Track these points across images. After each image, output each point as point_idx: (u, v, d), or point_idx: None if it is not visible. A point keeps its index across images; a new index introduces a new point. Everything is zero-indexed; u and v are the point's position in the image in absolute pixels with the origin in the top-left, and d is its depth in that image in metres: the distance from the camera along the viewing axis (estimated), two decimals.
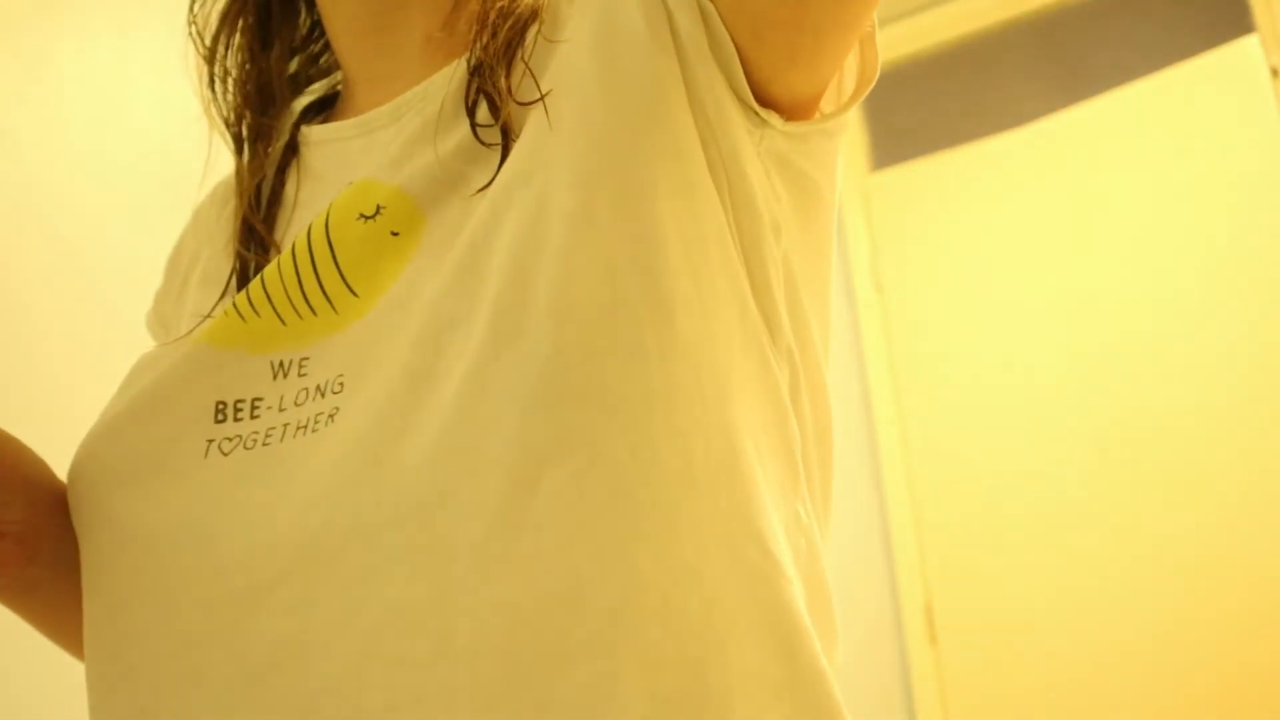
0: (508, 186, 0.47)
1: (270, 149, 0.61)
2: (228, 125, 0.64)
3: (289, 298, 0.51)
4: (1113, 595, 2.22)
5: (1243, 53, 2.27)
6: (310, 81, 0.68)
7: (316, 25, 0.68)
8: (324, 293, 0.50)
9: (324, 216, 0.52)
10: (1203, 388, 2.20)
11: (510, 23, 0.53)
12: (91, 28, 1.41)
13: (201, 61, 0.65)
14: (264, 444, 0.49)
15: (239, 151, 0.63)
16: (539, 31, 0.53)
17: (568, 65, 0.50)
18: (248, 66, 0.66)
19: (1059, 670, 2.26)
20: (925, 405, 2.53)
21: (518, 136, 0.49)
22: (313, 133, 0.61)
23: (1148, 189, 2.34)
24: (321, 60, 0.69)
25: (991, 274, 2.51)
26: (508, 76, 0.51)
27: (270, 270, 0.52)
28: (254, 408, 0.50)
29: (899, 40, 2.77)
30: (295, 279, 0.51)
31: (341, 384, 0.48)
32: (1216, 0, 2.40)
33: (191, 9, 0.65)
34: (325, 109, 0.67)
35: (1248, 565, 2.09)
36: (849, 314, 2.65)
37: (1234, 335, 2.18)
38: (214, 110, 0.65)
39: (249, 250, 0.58)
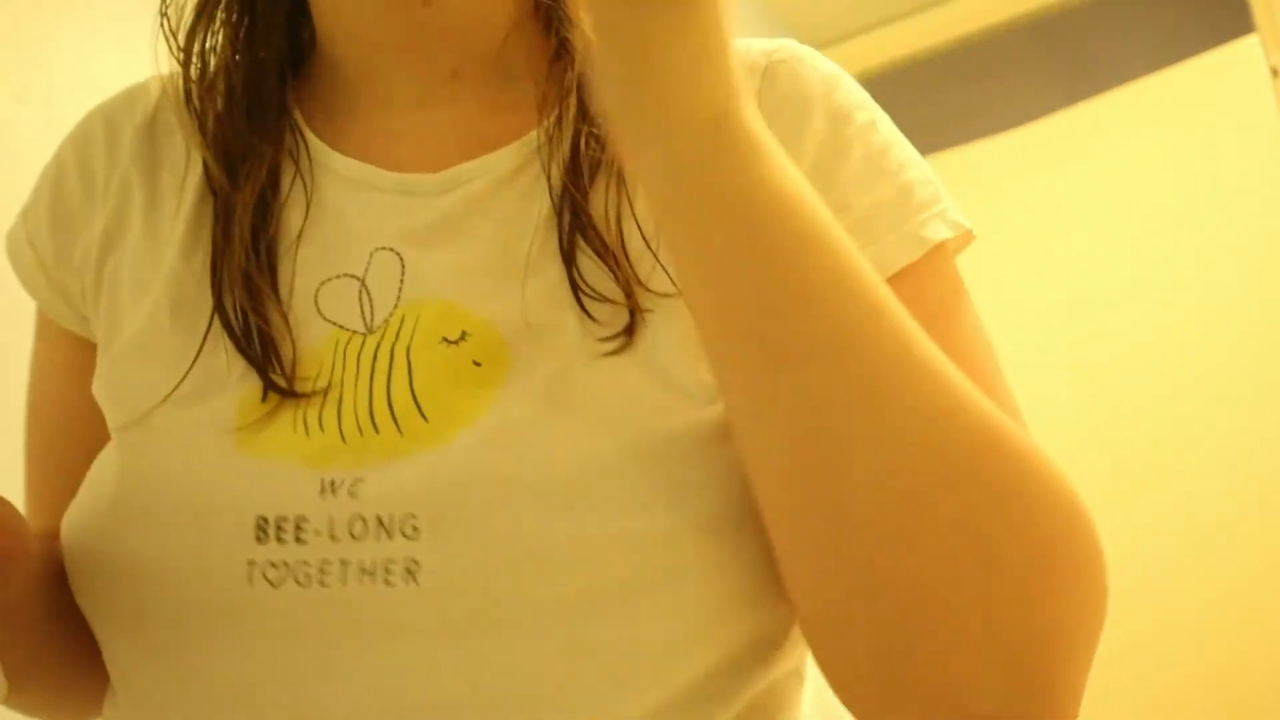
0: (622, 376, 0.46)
1: (262, 168, 0.54)
2: (209, 138, 0.55)
3: (355, 414, 0.46)
4: (1113, 594, 2.22)
5: (1243, 53, 2.27)
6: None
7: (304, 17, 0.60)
8: (391, 411, 0.46)
9: (409, 335, 0.47)
10: (1203, 387, 2.19)
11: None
12: (92, 27, 1.41)
13: (175, 64, 0.58)
14: (321, 583, 0.44)
15: (229, 179, 0.54)
16: None
17: None
18: (236, 59, 0.58)
19: None
20: None
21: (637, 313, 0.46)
22: (335, 161, 0.53)
23: (1148, 189, 2.34)
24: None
25: (991, 273, 2.51)
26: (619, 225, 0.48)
27: (345, 381, 0.47)
28: (299, 529, 0.45)
29: (899, 40, 2.77)
30: (368, 396, 0.46)
31: (415, 528, 0.43)
32: (1216, 0, 2.40)
33: (163, 7, 0.59)
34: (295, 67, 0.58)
35: (1248, 564, 2.09)
36: None
37: (1234, 334, 2.18)
38: (190, 119, 0.56)
39: (240, 295, 0.50)
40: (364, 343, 0.48)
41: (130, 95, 0.60)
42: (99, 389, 0.52)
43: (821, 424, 0.38)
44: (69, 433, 0.56)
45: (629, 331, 0.46)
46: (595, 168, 0.50)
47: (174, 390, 0.49)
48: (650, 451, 0.43)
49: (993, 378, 0.51)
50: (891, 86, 2.81)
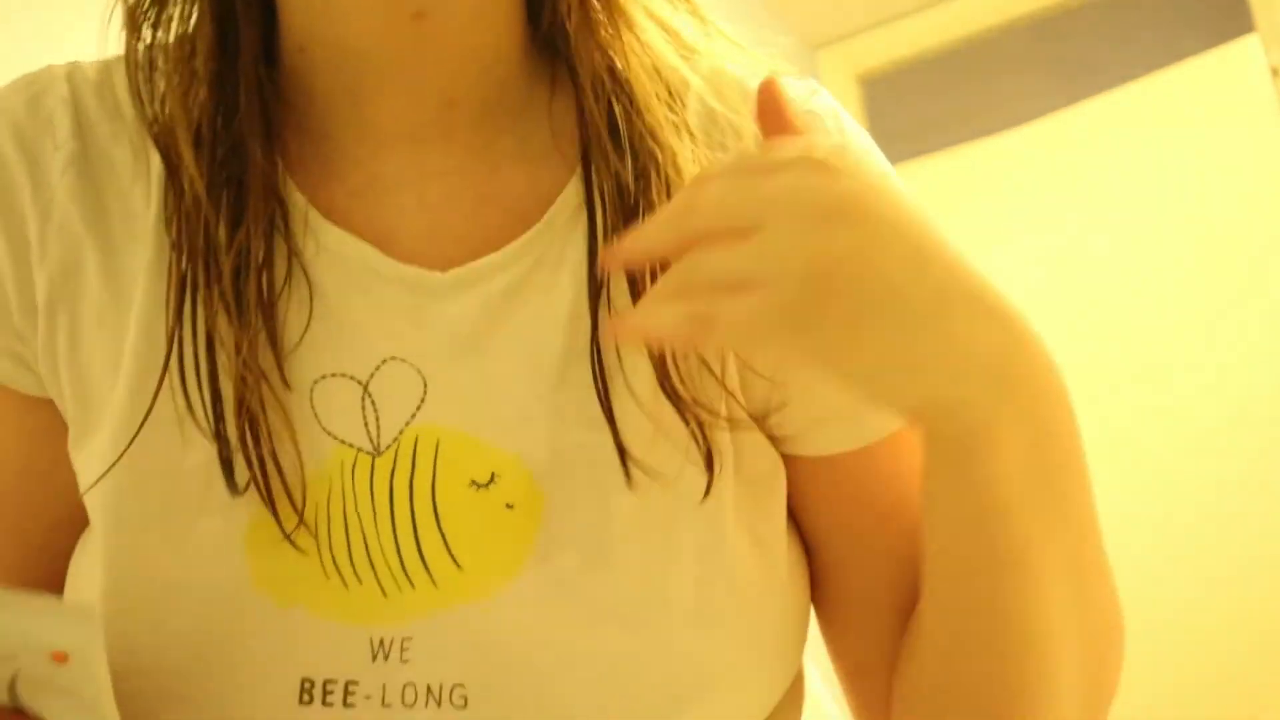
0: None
1: (248, 203, 0.45)
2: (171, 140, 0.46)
3: (388, 565, 0.43)
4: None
5: (1243, 52, 2.27)
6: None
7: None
8: (422, 560, 0.43)
9: (428, 475, 0.43)
10: (1203, 386, 2.19)
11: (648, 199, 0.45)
12: (92, 27, 1.41)
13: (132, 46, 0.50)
14: None
15: (216, 202, 0.45)
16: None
17: None
18: (210, 65, 0.47)
19: None
20: None
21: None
22: (327, 234, 0.46)
23: (1148, 188, 2.34)
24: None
25: (992, 271, 2.50)
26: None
27: (368, 526, 0.43)
28: (348, 693, 0.42)
29: (899, 40, 2.77)
30: (394, 545, 0.43)
31: (465, 698, 0.42)
32: (1217, 0, 2.40)
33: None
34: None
35: (1249, 563, 2.09)
36: None
37: (1234, 334, 2.18)
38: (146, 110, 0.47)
39: (243, 392, 0.43)
40: (374, 467, 0.43)
41: (35, 100, 0.48)
42: (80, 463, 0.46)
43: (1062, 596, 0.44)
44: (22, 500, 0.48)
45: (706, 487, 0.44)
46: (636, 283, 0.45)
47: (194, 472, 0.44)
48: (697, 605, 0.43)
49: None
50: (891, 86, 2.80)
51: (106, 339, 0.45)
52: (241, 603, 0.42)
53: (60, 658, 0.35)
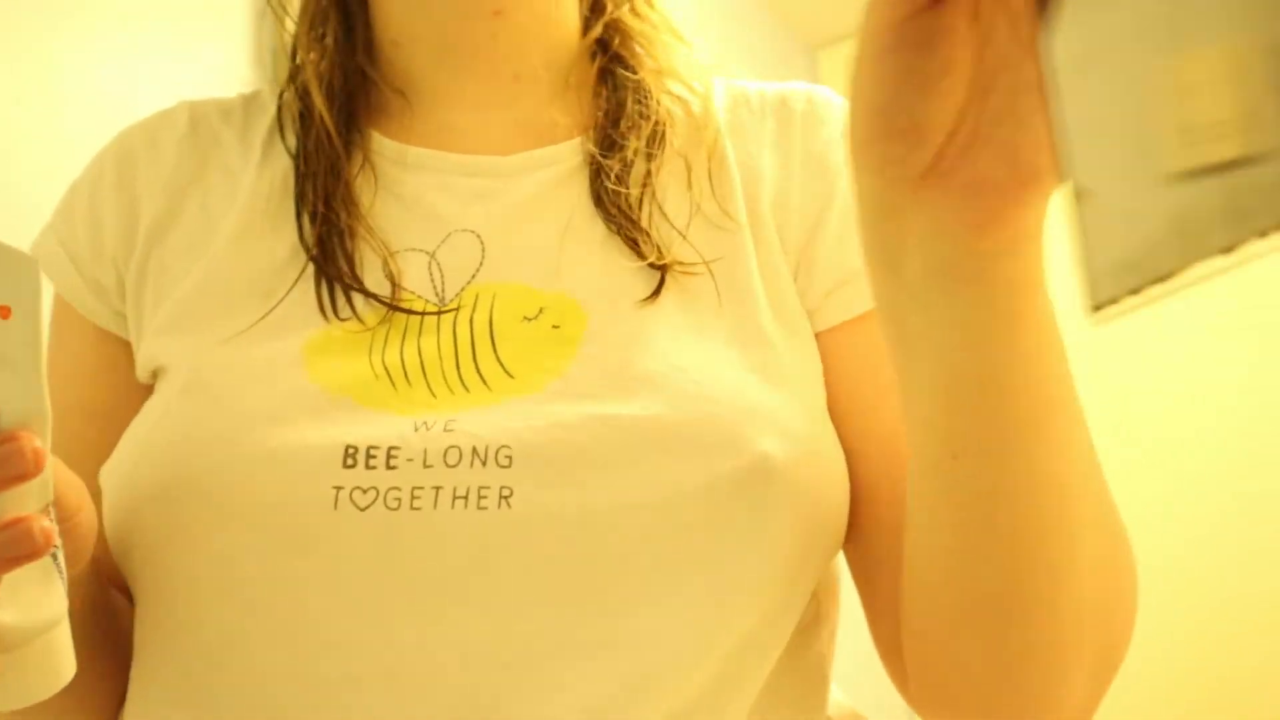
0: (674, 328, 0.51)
1: (344, 149, 0.58)
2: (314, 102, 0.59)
3: (444, 376, 0.49)
4: None
5: None
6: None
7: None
8: (480, 375, 0.49)
9: (487, 314, 0.51)
10: (1202, 385, 2.19)
11: (661, 144, 0.56)
12: (92, 27, 1.41)
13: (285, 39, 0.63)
14: (412, 507, 0.45)
15: (316, 148, 0.58)
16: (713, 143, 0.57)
17: (742, 235, 0.55)
18: (332, 54, 0.61)
19: None
20: None
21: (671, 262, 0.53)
22: (413, 154, 0.58)
23: None
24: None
25: None
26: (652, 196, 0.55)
27: (426, 347, 0.50)
28: (390, 456, 0.46)
29: None
30: (454, 362, 0.49)
31: (510, 458, 0.45)
32: None
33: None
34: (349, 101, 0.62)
35: (1249, 565, 2.09)
36: None
37: (1234, 333, 2.18)
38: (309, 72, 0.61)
39: (328, 227, 0.54)
40: (441, 317, 0.51)
41: (164, 115, 0.64)
42: (156, 340, 0.54)
43: (1048, 505, 0.44)
44: (89, 441, 0.54)
45: (660, 288, 0.52)
46: (626, 170, 0.56)
47: (258, 322, 0.52)
48: (749, 399, 0.48)
49: None
50: None
51: (193, 253, 0.56)
52: (293, 389, 0.48)
53: (4, 313, 0.34)
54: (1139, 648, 0.58)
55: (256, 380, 0.49)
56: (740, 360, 0.50)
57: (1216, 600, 2.12)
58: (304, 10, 0.62)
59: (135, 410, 0.53)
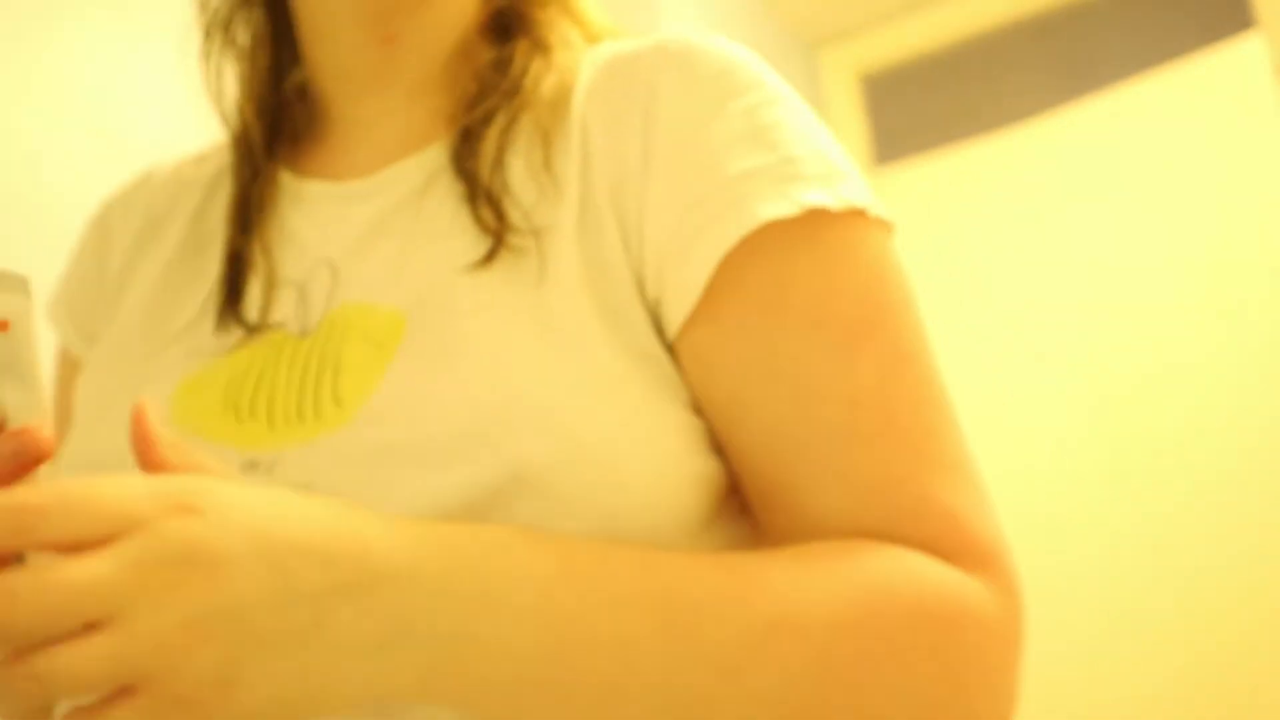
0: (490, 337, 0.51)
1: (261, 182, 0.63)
2: (237, 131, 0.65)
3: (285, 408, 0.52)
4: (1113, 596, 2.22)
5: (1244, 50, 2.27)
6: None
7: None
8: (315, 404, 0.51)
9: (338, 341, 0.53)
10: (1204, 387, 2.19)
11: (501, 131, 0.57)
12: (92, 27, 1.41)
13: (207, 69, 0.67)
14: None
15: (246, 171, 0.63)
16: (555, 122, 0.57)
17: (567, 212, 0.53)
18: (259, 80, 0.67)
19: (1058, 670, 2.26)
20: None
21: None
22: (300, 187, 0.62)
23: (1149, 184, 2.34)
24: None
25: (992, 272, 2.51)
26: (497, 175, 0.56)
27: (279, 378, 0.53)
28: None
29: (900, 38, 2.77)
30: (298, 393, 0.51)
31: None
32: None
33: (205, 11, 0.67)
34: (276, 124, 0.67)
35: (1248, 565, 2.09)
36: None
37: (1234, 334, 2.18)
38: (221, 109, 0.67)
39: (231, 302, 0.59)
40: (296, 347, 0.54)
41: (135, 182, 0.71)
42: (87, 367, 0.61)
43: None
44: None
45: (495, 250, 0.53)
46: (478, 149, 0.57)
47: (155, 355, 0.58)
48: (522, 399, 0.47)
49: (901, 343, 0.52)
50: (891, 86, 2.80)
51: (141, 290, 0.63)
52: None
53: (2, 326, 0.37)
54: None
55: (126, 424, 0.50)
56: (540, 356, 0.48)
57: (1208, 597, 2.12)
58: (224, 27, 0.67)
59: None
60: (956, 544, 0.47)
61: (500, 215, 0.53)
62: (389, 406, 0.48)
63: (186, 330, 0.58)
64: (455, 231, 0.54)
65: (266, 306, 0.57)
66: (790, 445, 0.48)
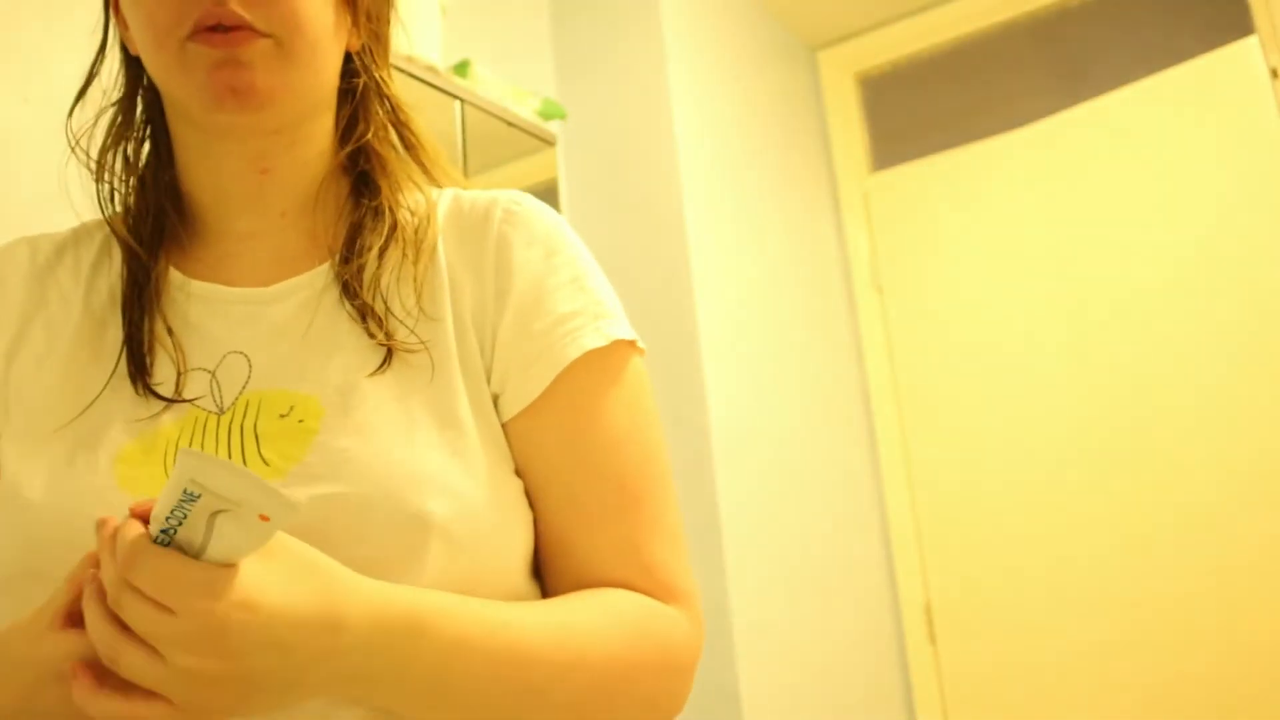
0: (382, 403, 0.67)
1: (151, 277, 0.73)
2: (126, 228, 0.75)
3: None
4: (1112, 594, 2.22)
5: (1243, 54, 2.27)
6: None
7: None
8: (244, 465, 0.64)
9: (254, 416, 0.66)
10: (1203, 387, 2.20)
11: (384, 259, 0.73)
12: (93, 27, 1.41)
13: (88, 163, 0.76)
14: None
15: (135, 274, 0.73)
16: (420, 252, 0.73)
17: (443, 334, 0.70)
18: (144, 191, 0.76)
19: (1058, 669, 2.26)
20: (925, 405, 2.53)
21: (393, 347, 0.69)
22: (195, 286, 0.73)
23: (1148, 189, 2.34)
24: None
25: (991, 274, 2.51)
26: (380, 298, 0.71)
27: (208, 447, 0.66)
28: None
29: (899, 40, 2.77)
30: (226, 456, 0.64)
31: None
32: (1216, 1, 2.41)
33: (70, 114, 0.76)
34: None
35: (1247, 564, 2.10)
36: (848, 314, 2.65)
37: (1234, 334, 2.18)
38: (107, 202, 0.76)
39: (137, 379, 0.69)
40: (218, 421, 0.66)
41: (5, 253, 0.77)
42: (6, 444, 0.68)
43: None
44: None
45: (388, 359, 0.69)
46: (362, 276, 0.72)
47: (77, 416, 0.67)
48: (426, 467, 0.64)
49: (640, 453, 0.72)
50: (891, 86, 2.81)
51: (39, 368, 0.71)
52: (107, 496, 0.63)
53: (264, 519, 0.49)
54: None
55: (81, 491, 0.63)
56: (434, 437, 0.66)
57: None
58: (114, 143, 0.77)
59: None
60: (668, 593, 0.69)
61: (388, 333, 0.69)
62: (320, 467, 0.63)
63: (104, 401, 0.68)
64: (349, 339, 0.69)
65: (180, 386, 0.68)
66: (578, 511, 0.69)
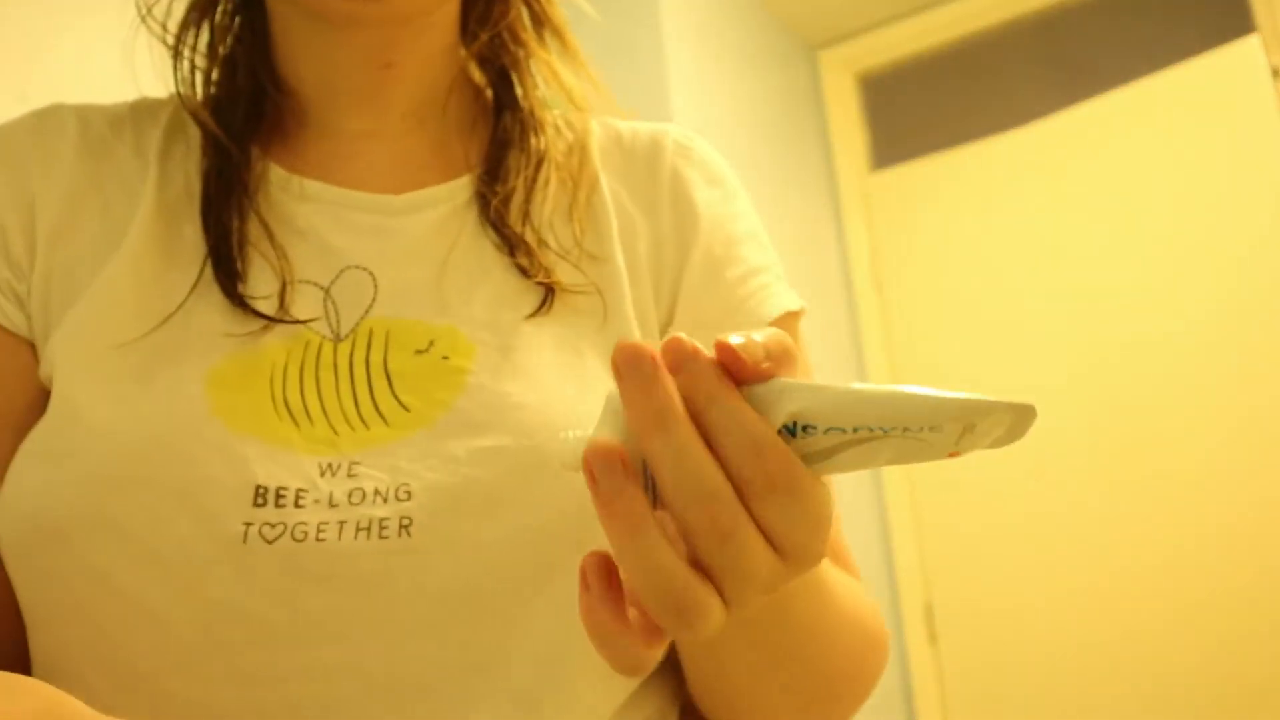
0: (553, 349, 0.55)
1: (245, 176, 0.60)
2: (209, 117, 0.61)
3: (344, 413, 0.52)
4: (1112, 594, 2.22)
5: (1243, 53, 2.27)
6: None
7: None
8: (378, 411, 0.52)
9: (382, 349, 0.54)
10: (1203, 387, 2.19)
11: (544, 183, 0.61)
12: (92, 26, 1.41)
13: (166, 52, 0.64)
14: (318, 539, 0.48)
15: (220, 168, 0.60)
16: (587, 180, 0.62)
17: (625, 260, 0.59)
18: (229, 68, 0.64)
19: (1058, 669, 2.26)
20: None
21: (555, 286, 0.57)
22: (306, 185, 0.60)
23: (1148, 189, 2.34)
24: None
25: (991, 274, 2.51)
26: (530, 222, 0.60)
27: (325, 383, 0.53)
28: (298, 497, 0.49)
29: (899, 40, 2.77)
30: (353, 399, 0.52)
31: (409, 493, 0.49)
32: (1217, 1, 2.40)
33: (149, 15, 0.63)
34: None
35: (1247, 563, 2.09)
36: (849, 314, 2.65)
37: (1234, 334, 2.18)
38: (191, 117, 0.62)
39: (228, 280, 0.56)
40: (335, 350, 0.54)
41: (48, 120, 0.63)
42: (57, 345, 0.54)
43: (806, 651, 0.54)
44: (9, 446, 0.54)
45: (548, 299, 0.57)
46: (509, 202, 0.60)
47: (153, 329, 0.54)
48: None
49: None
50: (891, 86, 2.81)
51: (96, 260, 0.57)
52: (197, 425, 0.50)
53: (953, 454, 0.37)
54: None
55: (163, 416, 0.50)
56: (610, 388, 0.50)
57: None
58: (196, 19, 0.64)
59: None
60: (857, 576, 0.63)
61: (547, 269, 0.57)
62: (479, 413, 0.51)
63: (188, 312, 0.55)
64: (496, 270, 0.58)
65: (285, 299, 0.55)
66: None
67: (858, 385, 0.34)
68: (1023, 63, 2.67)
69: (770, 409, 0.34)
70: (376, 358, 0.53)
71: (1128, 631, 2.20)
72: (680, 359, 0.34)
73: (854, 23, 2.78)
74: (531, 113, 0.64)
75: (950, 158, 2.62)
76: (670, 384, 0.33)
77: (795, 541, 0.34)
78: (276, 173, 0.61)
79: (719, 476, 0.33)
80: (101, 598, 0.48)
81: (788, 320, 0.61)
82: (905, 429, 0.35)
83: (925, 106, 2.76)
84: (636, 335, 0.56)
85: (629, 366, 0.33)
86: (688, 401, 0.34)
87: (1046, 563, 2.31)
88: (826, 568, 0.52)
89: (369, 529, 0.48)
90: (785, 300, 0.62)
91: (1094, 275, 2.37)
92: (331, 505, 0.48)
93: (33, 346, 0.56)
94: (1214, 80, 2.30)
